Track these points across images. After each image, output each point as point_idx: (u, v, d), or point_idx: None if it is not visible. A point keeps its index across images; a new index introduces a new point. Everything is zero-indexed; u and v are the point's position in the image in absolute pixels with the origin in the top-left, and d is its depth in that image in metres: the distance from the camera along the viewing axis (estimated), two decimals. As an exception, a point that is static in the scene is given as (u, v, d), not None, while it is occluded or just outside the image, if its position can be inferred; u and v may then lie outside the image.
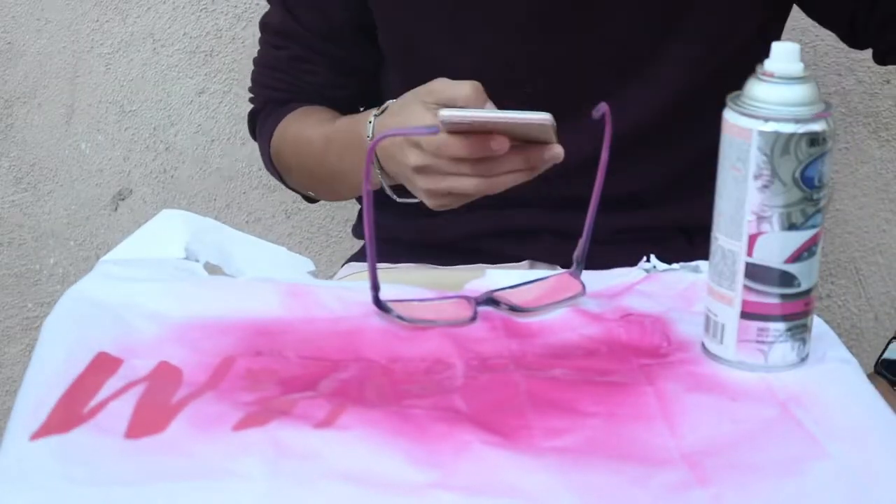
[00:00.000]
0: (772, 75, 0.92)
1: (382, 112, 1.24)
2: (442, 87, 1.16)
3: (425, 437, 0.85)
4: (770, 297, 0.94)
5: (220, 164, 1.93)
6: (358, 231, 1.55)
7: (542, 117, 1.06)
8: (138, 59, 1.91)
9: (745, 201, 0.93)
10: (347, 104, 1.44)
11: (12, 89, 1.93)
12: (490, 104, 1.12)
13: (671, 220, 1.39)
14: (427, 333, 1.00)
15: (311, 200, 1.52)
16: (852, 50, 1.44)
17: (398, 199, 1.23)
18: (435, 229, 1.37)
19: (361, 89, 1.44)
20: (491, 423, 0.87)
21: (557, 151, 1.10)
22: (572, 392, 0.92)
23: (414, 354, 0.98)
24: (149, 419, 0.86)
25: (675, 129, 1.35)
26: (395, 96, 1.32)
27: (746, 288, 0.94)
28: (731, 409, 0.91)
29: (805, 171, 0.92)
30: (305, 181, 1.45)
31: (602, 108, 1.01)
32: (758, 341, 0.95)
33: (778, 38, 1.34)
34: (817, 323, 0.99)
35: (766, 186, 0.92)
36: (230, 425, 0.86)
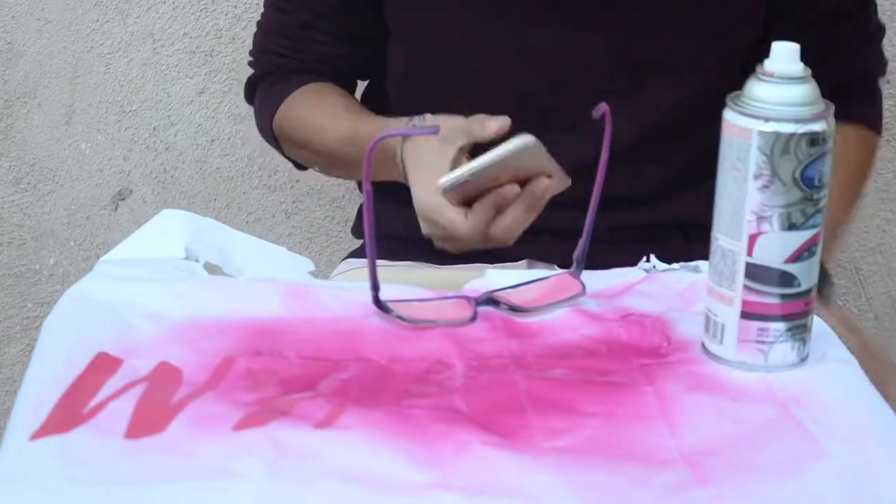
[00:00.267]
0: (772, 75, 0.92)
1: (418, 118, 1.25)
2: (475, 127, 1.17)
3: (425, 437, 0.85)
4: (770, 297, 0.94)
5: (220, 164, 1.93)
6: (357, 231, 1.54)
7: (526, 140, 1.07)
8: (138, 59, 1.91)
9: (745, 201, 0.93)
10: (350, 76, 1.43)
11: (12, 89, 1.93)
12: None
13: (668, 217, 1.39)
14: (427, 333, 1.00)
15: (303, 168, 1.51)
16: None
17: None
18: None
19: (366, 62, 1.42)
20: (491, 424, 0.87)
21: (545, 184, 1.12)
22: (572, 392, 0.92)
23: (414, 354, 0.97)
24: (149, 419, 0.86)
25: (678, 130, 1.35)
26: (399, 72, 1.32)
27: (746, 288, 0.94)
28: (731, 409, 0.91)
29: (805, 171, 0.92)
30: (308, 159, 1.44)
31: (602, 108, 1.01)
32: (758, 341, 0.95)
33: (780, 36, 1.34)
34: (817, 323, 0.99)
35: (766, 186, 0.92)
36: (230, 425, 0.86)
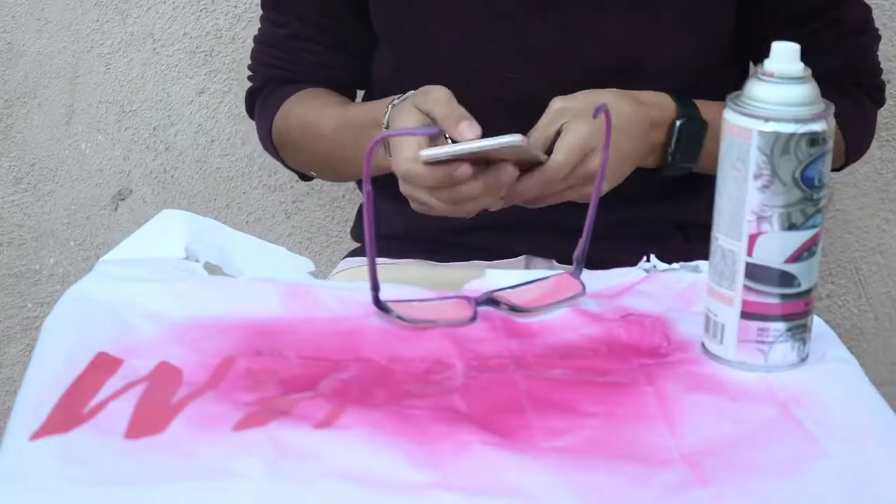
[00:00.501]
0: (772, 75, 0.92)
1: (404, 100, 1.24)
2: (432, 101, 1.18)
3: (425, 437, 0.85)
4: (770, 297, 0.94)
5: (220, 164, 1.93)
6: (356, 234, 1.54)
7: (513, 139, 1.09)
8: (138, 59, 1.91)
9: (745, 201, 0.93)
10: (347, 86, 1.44)
11: (12, 89, 1.93)
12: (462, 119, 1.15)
13: (667, 216, 1.39)
14: (427, 333, 1.00)
15: (306, 178, 1.52)
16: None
17: None
18: (430, 220, 1.36)
19: (360, 71, 1.43)
20: (491, 424, 0.87)
21: (509, 171, 1.14)
22: (572, 392, 0.92)
23: (414, 354, 0.97)
24: (149, 419, 0.86)
25: None
26: (387, 74, 1.32)
27: (746, 288, 0.94)
28: (731, 409, 0.91)
29: (805, 171, 0.92)
30: (307, 161, 1.45)
31: (602, 107, 1.01)
32: (758, 341, 0.95)
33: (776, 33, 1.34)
34: (817, 323, 0.99)
35: (766, 186, 0.92)
36: (230, 425, 0.86)
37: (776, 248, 0.93)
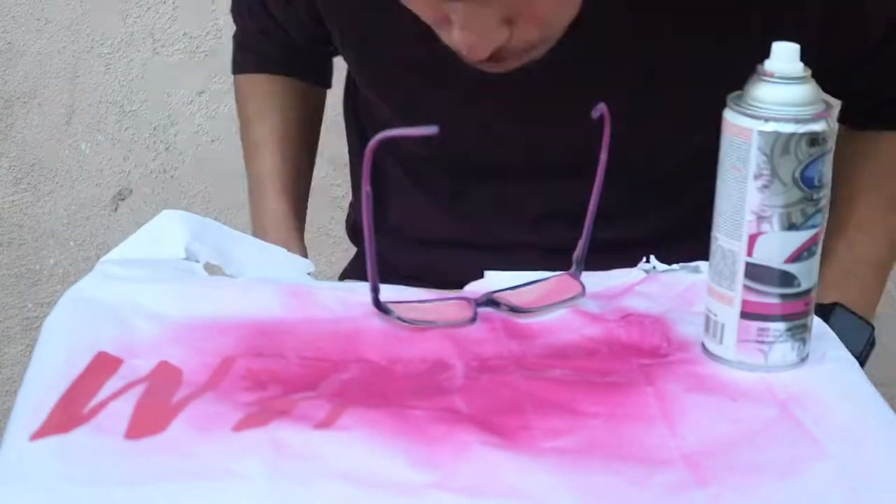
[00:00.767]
0: (772, 75, 0.92)
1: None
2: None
3: (425, 437, 0.85)
4: (770, 297, 0.94)
5: (220, 164, 1.93)
6: (354, 238, 1.51)
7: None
8: (138, 59, 1.91)
9: (745, 201, 0.93)
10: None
11: (12, 89, 1.93)
12: None
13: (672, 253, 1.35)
14: (427, 334, 1.00)
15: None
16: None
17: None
18: (434, 262, 1.35)
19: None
20: (491, 424, 0.87)
21: None
22: (572, 392, 0.92)
23: (414, 355, 0.98)
24: (149, 419, 0.86)
25: (675, 184, 1.29)
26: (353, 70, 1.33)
27: (746, 288, 0.94)
28: (731, 409, 0.91)
29: (805, 171, 0.92)
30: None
31: (601, 108, 1.01)
32: (758, 341, 0.95)
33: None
34: (817, 323, 0.99)
35: (766, 186, 0.92)
36: (230, 425, 0.86)
37: (776, 248, 0.93)
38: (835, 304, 1.17)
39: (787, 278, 0.94)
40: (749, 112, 0.92)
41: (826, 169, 0.93)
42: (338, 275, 1.47)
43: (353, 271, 1.45)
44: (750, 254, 0.94)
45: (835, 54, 1.19)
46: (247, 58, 1.46)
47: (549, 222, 1.26)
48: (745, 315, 0.95)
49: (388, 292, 1.02)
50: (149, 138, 1.94)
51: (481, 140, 1.24)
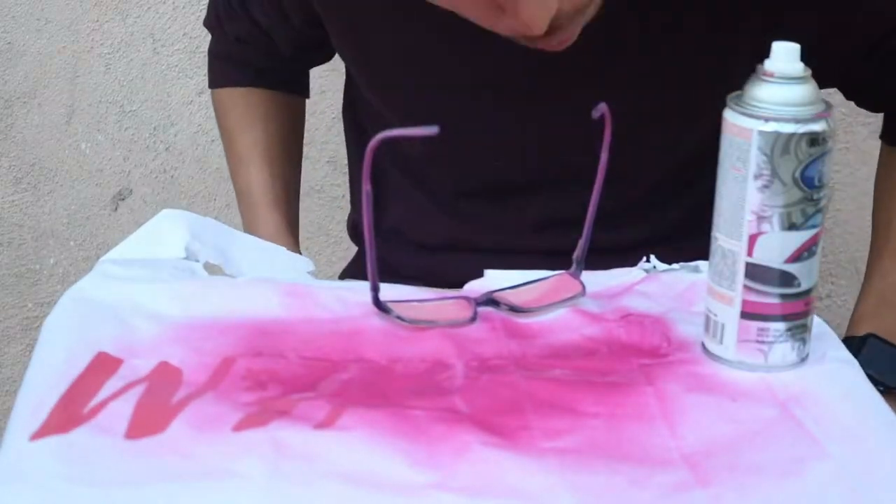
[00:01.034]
0: (772, 75, 0.92)
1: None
2: None
3: (425, 437, 0.85)
4: (770, 297, 0.94)
5: (220, 164, 1.93)
6: (354, 237, 1.51)
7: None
8: (138, 59, 1.91)
9: (745, 201, 0.93)
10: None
11: (12, 89, 1.93)
12: None
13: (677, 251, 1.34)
14: (427, 334, 1.00)
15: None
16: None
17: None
18: (435, 265, 1.34)
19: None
20: (491, 424, 0.87)
21: None
22: (572, 392, 0.92)
23: (414, 355, 0.98)
24: (149, 419, 0.86)
25: (673, 186, 1.29)
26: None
27: (746, 288, 0.94)
28: (731, 409, 0.91)
29: (805, 171, 0.92)
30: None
31: (601, 108, 1.01)
32: (758, 341, 0.95)
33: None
34: (817, 323, 0.99)
35: (766, 186, 0.92)
36: (230, 426, 0.86)
37: (776, 248, 0.93)
38: (868, 335, 1.18)
39: (787, 278, 0.94)
40: (749, 112, 0.92)
41: (826, 169, 0.93)
42: (338, 275, 1.47)
43: (353, 271, 1.45)
44: (750, 254, 0.94)
45: (835, 54, 1.19)
46: (225, 70, 1.45)
47: (551, 226, 1.26)
48: (745, 315, 0.95)
49: (388, 291, 1.02)
50: (149, 138, 1.94)
51: (482, 141, 1.24)
